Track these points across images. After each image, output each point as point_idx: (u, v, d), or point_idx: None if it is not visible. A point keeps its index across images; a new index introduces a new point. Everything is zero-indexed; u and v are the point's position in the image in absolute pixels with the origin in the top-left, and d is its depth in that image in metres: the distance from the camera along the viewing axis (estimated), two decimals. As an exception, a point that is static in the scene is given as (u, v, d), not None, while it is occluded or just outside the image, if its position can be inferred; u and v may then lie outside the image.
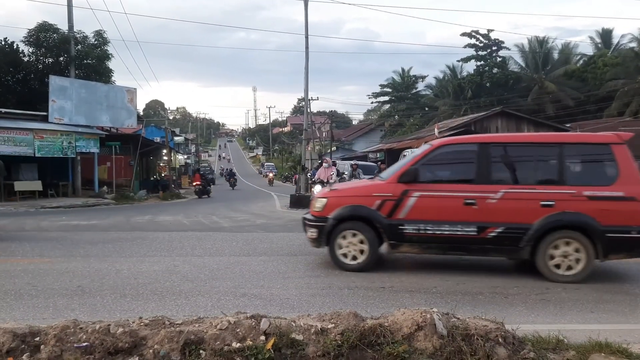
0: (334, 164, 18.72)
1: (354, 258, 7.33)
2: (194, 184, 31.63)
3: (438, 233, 7.04)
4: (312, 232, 7.59)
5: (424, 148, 7.89)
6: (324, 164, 16.59)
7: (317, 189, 13.97)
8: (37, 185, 22.00)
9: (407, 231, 7.12)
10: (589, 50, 49.66)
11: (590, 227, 6.66)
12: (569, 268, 6.78)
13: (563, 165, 7.02)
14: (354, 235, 7.33)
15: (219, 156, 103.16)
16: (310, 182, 19.04)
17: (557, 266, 6.79)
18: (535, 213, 6.78)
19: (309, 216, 7.84)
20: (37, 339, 3.28)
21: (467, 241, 7.01)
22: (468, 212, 6.95)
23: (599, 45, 48.42)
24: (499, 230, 6.87)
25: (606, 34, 48.53)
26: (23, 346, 3.21)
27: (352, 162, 22.33)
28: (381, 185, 7.56)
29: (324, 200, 7.64)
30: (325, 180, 14.90)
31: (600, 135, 7.47)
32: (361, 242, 7.30)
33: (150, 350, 3.21)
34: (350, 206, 7.40)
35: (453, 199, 7.03)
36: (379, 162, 25.44)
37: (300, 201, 17.83)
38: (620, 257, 7.06)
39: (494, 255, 7.36)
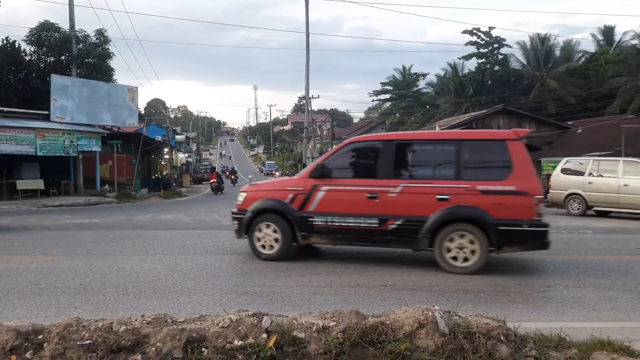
0: None
1: (271, 247, 7.83)
2: (211, 181, 34.22)
3: (344, 225, 7.47)
4: (235, 224, 8.15)
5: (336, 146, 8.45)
6: None
7: None
8: (39, 184, 22.04)
9: (316, 223, 7.57)
10: (590, 47, 49.56)
11: (482, 220, 6.91)
12: (465, 260, 7.03)
13: (460, 161, 7.26)
14: (268, 226, 7.82)
15: (220, 154, 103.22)
16: None
17: (454, 258, 7.06)
18: (432, 206, 7.07)
19: (234, 209, 8.31)
20: (40, 337, 3.29)
21: (370, 233, 7.40)
22: (371, 206, 7.35)
23: (601, 42, 48.30)
24: (398, 222, 7.23)
25: (608, 31, 48.42)
26: (26, 344, 3.23)
27: None
28: (294, 181, 8.13)
29: (244, 194, 8.23)
30: None
31: (497, 132, 8.09)
32: (275, 232, 7.79)
33: (153, 348, 3.21)
34: (266, 200, 7.92)
35: (357, 193, 7.42)
36: None
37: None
38: (514, 249, 7.28)
39: (395, 246, 7.69)
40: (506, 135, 7.33)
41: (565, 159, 18.20)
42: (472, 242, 6.98)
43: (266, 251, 7.86)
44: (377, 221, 7.31)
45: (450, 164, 7.35)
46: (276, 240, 7.79)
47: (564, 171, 17.34)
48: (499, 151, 7.16)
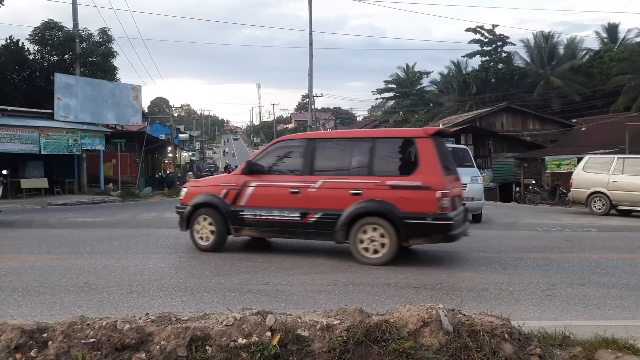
0: None
1: (207, 240, 8.38)
2: None
3: (270, 218, 7.99)
4: (178, 218, 8.72)
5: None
6: None
7: None
8: (43, 183, 22.10)
9: (247, 216, 8.11)
10: (595, 45, 49.41)
11: (390, 214, 7.28)
12: (375, 252, 7.40)
13: (373, 157, 7.63)
14: (205, 219, 8.36)
15: (223, 151, 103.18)
16: None
17: (366, 249, 7.44)
18: (347, 201, 7.49)
19: (177, 204, 8.93)
20: (45, 335, 3.30)
21: (293, 225, 7.87)
22: (293, 200, 7.84)
23: (605, 40, 48.12)
24: (317, 216, 7.70)
25: (612, 29, 48.22)
26: (31, 342, 3.24)
27: None
28: (229, 177, 8.93)
29: (186, 189, 8.97)
30: None
31: (407, 130, 9.03)
32: (211, 225, 8.33)
33: (157, 346, 3.22)
34: (204, 195, 8.48)
35: (282, 188, 7.94)
36: None
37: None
38: (420, 242, 7.61)
39: (315, 238, 8.11)
40: (415, 133, 7.79)
41: (587, 157, 17.75)
42: (382, 236, 7.34)
43: (203, 242, 8.40)
44: (299, 215, 7.77)
45: (364, 160, 7.73)
46: (212, 232, 8.33)
47: (586, 169, 16.90)
48: (408, 148, 7.59)
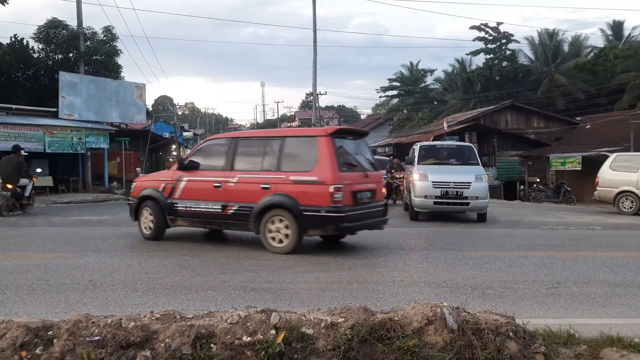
0: None
1: (150, 229, 9.37)
2: None
3: (198, 210, 8.86)
4: (129, 210, 9.77)
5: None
6: None
7: None
8: (47, 181, 22.13)
9: (179, 208, 9.02)
10: (599, 42, 49.10)
11: (292, 207, 7.97)
12: (280, 241, 8.09)
13: (281, 154, 8.39)
14: (147, 211, 9.37)
15: None
16: None
17: (273, 239, 8.14)
18: (258, 194, 8.25)
19: (129, 197, 10.04)
20: (50, 333, 3.31)
21: (216, 217, 8.70)
22: (216, 193, 8.67)
23: (610, 37, 47.85)
24: (235, 208, 8.49)
25: (617, 26, 47.95)
26: (36, 340, 3.25)
27: None
28: (167, 172, 10.00)
29: (134, 184, 10.03)
30: None
31: (311, 129, 10.08)
32: (151, 215, 9.31)
33: (162, 344, 3.23)
34: (147, 189, 9.47)
35: (207, 183, 8.78)
36: (391, 157, 25.13)
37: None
38: (317, 232, 8.31)
39: (234, 229, 9.04)
40: (317, 132, 8.86)
41: (614, 155, 17.36)
42: (287, 227, 8.03)
43: (147, 232, 9.42)
44: (220, 207, 8.61)
45: (274, 157, 8.48)
46: (152, 222, 9.32)
47: (613, 168, 16.57)
48: (310, 146, 8.25)
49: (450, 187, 12.54)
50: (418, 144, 15.27)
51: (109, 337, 3.25)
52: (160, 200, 9.13)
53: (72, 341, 3.24)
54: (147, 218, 9.36)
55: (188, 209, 8.92)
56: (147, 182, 9.73)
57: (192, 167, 9.07)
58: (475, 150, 14.55)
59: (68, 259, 7.78)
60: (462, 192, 12.51)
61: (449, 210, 13.10)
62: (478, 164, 13.68)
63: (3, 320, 3.38)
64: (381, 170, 20.89)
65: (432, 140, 23.03)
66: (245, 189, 8.44)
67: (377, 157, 29.50)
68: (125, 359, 3.18)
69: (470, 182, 12.51)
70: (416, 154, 14.18)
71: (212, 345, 3.23)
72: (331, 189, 7.76)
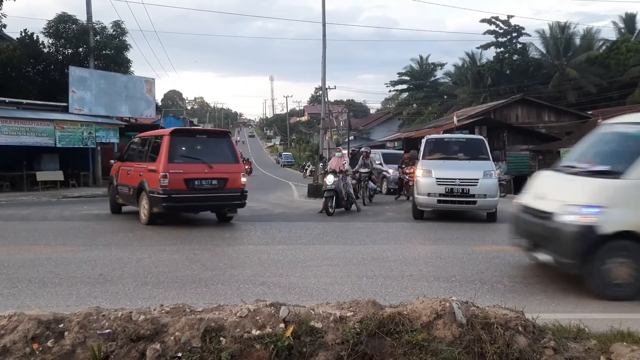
0: (367, 154, 17.39)
1: (110, 207, 13.48)
2: (246, 167, 38.36)
3: (124, 191, 12.10)
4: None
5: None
6: (336, 153, 15.35)
7: (329, 179, 13.25)
8: (58, 176, 22.28)
9: (120, 190, 12.42)
10: (611, 35, 48.60)
11: (145, 189, 10.61)
12: (144, 215, 10.85)
13: (149, 149, 11.33)
14: (109, 191, 13.63)
15: (235, 141, 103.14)
16: (322, 171, 18.39)
17: (143, 214, 10.87)
18: (138, 179, 11.06)
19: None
20: (61, 325, 3.33)
21: (129, 196, 11.80)
22: (128, 179, 11.83)
23: (622, 30, 47.35)
24: (133, 189, 11.43)
25: (629, 19, 47.43)
26: (47, 333, 3.27)
27: (362, 149, 19.52)
28: (117, 163, 12.97)
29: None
30: (337, 170, 13.73)
31: (164, 130, 13.12)
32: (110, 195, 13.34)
33: (172, 337, 3.24)
34: (113, 175, 13.06)
35: (126, 171, 12.06)
36: (404, 152, 25.00)
37: (318, 190, 17.73)
38: (157, 210, 10.43)
39: (134, 205, 11.55)
40: (165, 132, 11.27)
41: None
42: (145, 204, 10.71)
43: (109, 210, 13.37)
44: (128, 189, 11.76)
45: (148, 151, 11.40)
46: (110, 201, 13.45)
47: None
48: (160, 142, 10.70)
49: (455, 184, 11.64)
50: (425, 137, 14.44)
51: (119, 330, 3.27)
52: (113, 185, 12.90)
53: (82, 334, 3.26)
54: (111, 197, 13.29)
55: (121, 191, 12.26)
56: (113, 170, 13.18)
57: (124, 159, 12.62)
58: (486, 143, 13.40)
59: (78, 252, 7.84)
60: (469, 189, 11.62)
61: (454, 209, 12.18)
62: (488, 159, 12.66)
63: (15, 313, 3.41)
64: (393, 165, 20.84)
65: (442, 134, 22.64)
66: (134, 175, 11.36)
67: (391, 151, 29.45)
68: (135, 351, 3.20)
69: (478, 179, 11.63)
70: (422, 148, 13.41)
71: (221, 338, 3.24)
72: (160, 175, 10.15)
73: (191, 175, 10.42)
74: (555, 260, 5.84)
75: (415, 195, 12.25)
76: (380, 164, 22.13)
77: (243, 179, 11.07)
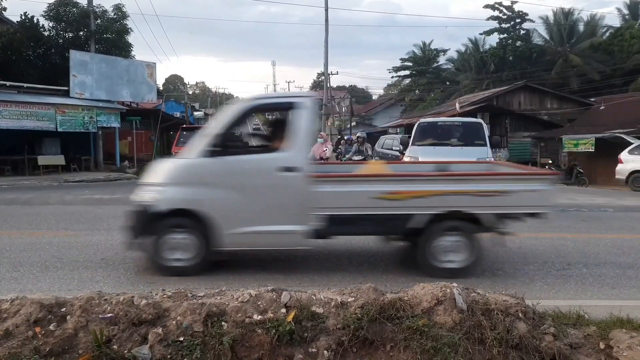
0: (363, 140, 15.78)
1: None
2: None
3: None
4: None
5: None
6: (318, 139, 13.68)
7: None
8: (60, 160, 22.28)
9: None
10: (616, 22, 48.34)
11: None
12: None
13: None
14: None
15: None
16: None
17: None
18: None
19: None
20: (63, 309, 3.35)
21: None
22: None
23: (627, 17, 46.95)
24: None
25: (634, 6, 46.99)
26: (50, 316, 3.29)
27: (358, 134, 17.25)
28: None
29: None
30: (318, 157, 12.29)
31: None
32: None
33: (173, 322, 3.26)
34: None
35: None
36: (408, 137, 24.75)
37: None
38: None
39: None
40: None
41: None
42: None
43: None
44: None
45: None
46: None
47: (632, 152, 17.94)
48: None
49: None
50: (418, 121, 13.37)
51: (121, 314, 3.29)
52: None
53: (85, 318, 3.28)
54: None
55: None
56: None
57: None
58: (485, 128, 12.07)
59: (80, 237, 7.86)
60: None
61: None
62: (485, 145, 11.45)
63: (17, 297, 3.43)
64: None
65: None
66: None
67: (399, 136, 29.26)
68: (137, 335, 3.22)
69: None
70: (413, 133, 12.30)
71: (223, 323, 3.26)
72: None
73: None
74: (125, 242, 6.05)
75: None
76: (400, 151, 21.68)
77: None
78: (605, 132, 24.02)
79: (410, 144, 11.80)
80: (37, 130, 21.51)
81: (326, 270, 6.02)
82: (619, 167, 18.21)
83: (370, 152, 15.42)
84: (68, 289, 5.09)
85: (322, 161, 11.71)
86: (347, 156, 15.55)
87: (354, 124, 52.65)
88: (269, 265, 6.17)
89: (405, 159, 11.20)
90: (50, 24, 26.49)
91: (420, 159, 10.38)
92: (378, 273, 5.90)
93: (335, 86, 67.30)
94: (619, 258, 6.73)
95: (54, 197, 13.83)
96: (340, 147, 17.13)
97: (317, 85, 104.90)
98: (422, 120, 13.51)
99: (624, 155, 18.49)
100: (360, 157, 14.69)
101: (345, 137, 20.60)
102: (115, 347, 3.16)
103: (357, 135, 16.98)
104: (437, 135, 11.97)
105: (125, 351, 3.14)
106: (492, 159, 10.22)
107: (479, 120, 12.18)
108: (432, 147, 11.35)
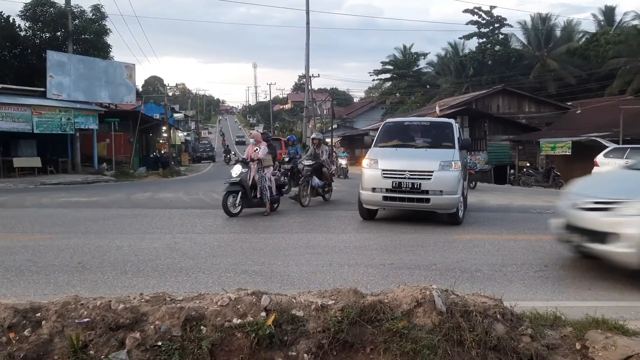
0: (319, 141, 13.95)
1: None
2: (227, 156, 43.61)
3: None
4: None
5: None
6: (250, 140, 11.97)
7: (235, 170, 10.82)
8: (36, 162, 21.96)
9: None
10: (591, 27, 49.26)
11: None
12: None
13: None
14: None
15: (221, 131, 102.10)
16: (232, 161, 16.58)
17: None
18: None
19: None
20: (39, 314, 3.29)
21: None
22: None
23: (602, 22, 47.93)
24: None
25: (609, 12, 48.00)
26: (24, 322, 3.23)
27: (313, 135, 15.06)
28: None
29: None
30: (248, 159, 11.00)
31: None
32: None
33: (151, 326, 3.22)
34: None
35: None
36: (372, 138, 24.91)
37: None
38: None
39: None
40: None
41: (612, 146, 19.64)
42: None
43: None
44: None
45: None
46: None
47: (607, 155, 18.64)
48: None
49: (405, 178, 9.34)
50: (385, 121, 12.33)
51: (98, 319, 3.24)
52: None
53: (60, 323, 3.22)
54: None
55: None
56: None
57: None
58: (455, 128, 10.76)
59: (57, 240, 7.74)
60: (420, 183, 9.26)
61: (403, 207, 9.91)
62: (453, 147, 10.08)
63: (-9, 302, 3.36)
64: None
65: None
66: None
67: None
68: (115, 340, 3.17)
69: (432, 171, 9.29)
70: (377, 134, 11.23)
71: (202, 327, 3.23)
72: None
73: None
74: None
75: (360, 191, 10.01)
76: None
77: None
78: (582, 136, 24.44)
79: (372, 145, 10.84)
80: (12, 132, 21.17)
81: (307, 272, 6.01)
82: (595, 169, 18.57)
83: (325, 157, 13.83)
84: (44, 293, 5.00)
85: (254, 162, 10.92)
86: (299, 160, 14.29)
87: (335, 126, 52.73)
88: (249, 268, 6.14)
89: (365, 162, 10.28)
90: (27, 24, 26.15)
91: (379, 162, 9.75)
92: (358, 275, 5.91)
93: (316, 88, 67.39)
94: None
95: (29, 199, 13.61)
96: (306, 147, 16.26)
97: (299, 87, 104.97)
98: (389, 119, 12.62)
99: (599, 158, 18.92)
100: (310, 162, 12.94)
101: (288, 138, 19.03)
102: (92, 352, 3.11)
103: (313, 137, 14.71)
104: (403, 135, 10.94)
105: (102, 356, 3.10)
106: (458, 161, 9.64)
107: (450, 120, 11.26)
108: (394, 149, 10.36)
